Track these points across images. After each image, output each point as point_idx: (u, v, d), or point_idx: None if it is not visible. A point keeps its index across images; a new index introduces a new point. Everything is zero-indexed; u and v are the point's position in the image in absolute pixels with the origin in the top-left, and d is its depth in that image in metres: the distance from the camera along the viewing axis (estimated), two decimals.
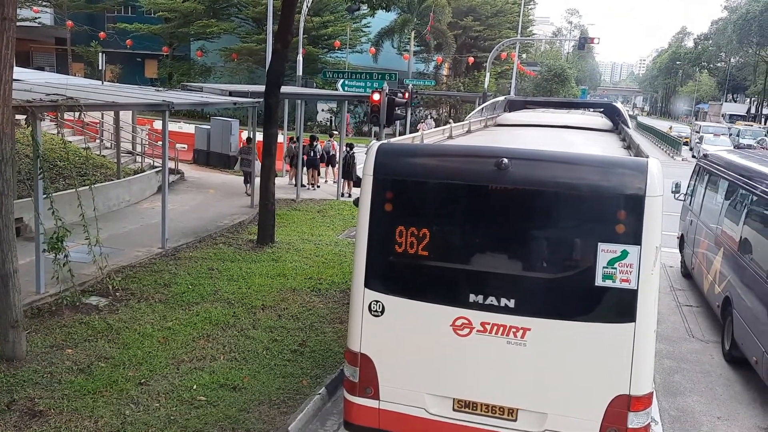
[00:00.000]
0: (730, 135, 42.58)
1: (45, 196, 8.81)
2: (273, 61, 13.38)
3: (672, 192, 12.73)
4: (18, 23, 7.22)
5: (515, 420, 5.11)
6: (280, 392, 7.04)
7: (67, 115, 15.91)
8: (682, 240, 13.27)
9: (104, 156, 20.10)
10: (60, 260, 8.49)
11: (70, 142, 18.51)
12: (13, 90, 7.21)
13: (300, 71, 28.94)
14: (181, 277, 10.59)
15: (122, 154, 18.78)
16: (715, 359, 9.05)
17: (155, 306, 9.28)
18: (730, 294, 9.07)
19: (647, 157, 5.13)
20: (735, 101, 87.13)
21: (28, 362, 7.29)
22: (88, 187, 10.74)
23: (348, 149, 19.82)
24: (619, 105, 11.75)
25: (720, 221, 10.26)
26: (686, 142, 45.16)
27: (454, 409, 5.25)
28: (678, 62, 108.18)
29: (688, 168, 14.74)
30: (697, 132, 44.78)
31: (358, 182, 19.58)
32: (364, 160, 5.39)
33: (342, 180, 19.94)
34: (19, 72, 12.91)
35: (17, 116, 8.56)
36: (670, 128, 54.46)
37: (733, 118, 64.27)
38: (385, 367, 5.37)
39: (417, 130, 11.25)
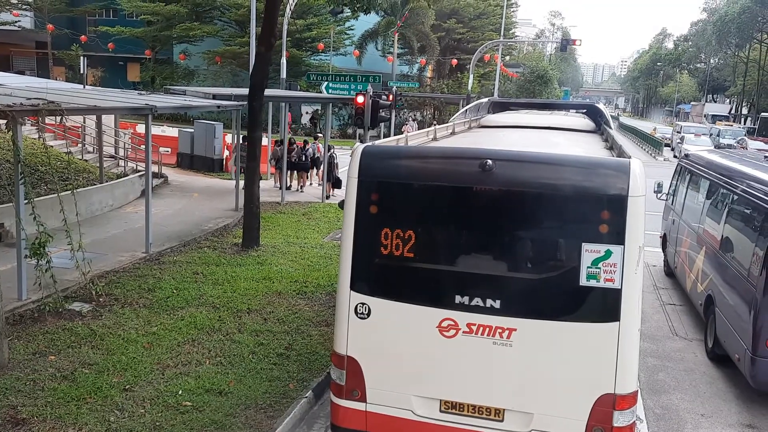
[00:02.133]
0: (711, 135, 43.08)
1: (26, 201, 8.71)
2: (256, 64, 13.34)
3: (654, 192, 12.86)
4: None
5: (502, 420, 5.13)
6: (267, 396, 7.01)
7: (49, 120, 15.73)
8: (664, 239, 13.41)
9: (86, 160, 19.90)
10: (42, 266, 8.39)
11: (52, 146, 18.32)
12: None
13: (284, 74, 28.90)
14: (165, 281, 10.51)
15: (105, 158, 18.62)
16: (699, 357, 9.15)
17: (139, 311, 9.20)
18: (712, 292, 9.18)
19: (629, 157, 5.18)
20: (715, 101, 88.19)
21: (10, 370, 7.19)
22: (70, 191, 10.63)
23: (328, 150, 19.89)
24: (601, 106, 11.86)
25: (702, 220, 10.38)
26: (668, 143, 45.60)
27: (440, 411, 5.25)
28: (659, 63, 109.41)
29: (670, 168, 14.90)
30: (678, 132, 45.27)
31: (337, 183, 19.58)
32: (349, 162, 5.39)
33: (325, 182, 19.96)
34: None
35: None
36: (654, 129, 54.89)
37: (715, 119, 65.02)
38: (371, 370, 5.37)
39: (402, 132, 11.27)
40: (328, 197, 19.36)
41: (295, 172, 20.99)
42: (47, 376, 7.14)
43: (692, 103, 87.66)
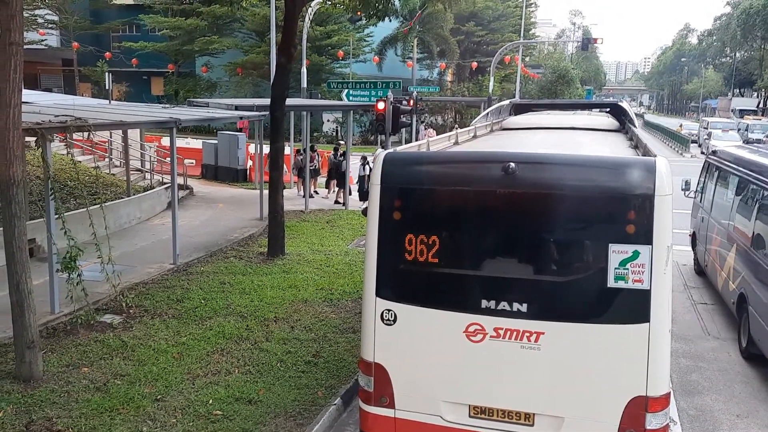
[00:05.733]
0: (739, 130, 42.29)
1: (57, 216, 8.89)
2: (277, 74, 13.46)
3: (682, 189, 12.66)
4: (25, 46, 7.31)
5: (532, 425, 5.08)
6: (296, 404, 7.04)
7: (76, 136, 16.06)
8: (694, 237, 13.18)
9: (114, 174, 20.28)
10: (73, 279, 8.55)
11: (80, 161, 18.68)
12: (23, 113, 7.29)
13: (304, 83, 29.09)
14: (193, 292, 10.64)
15: (131, 172, 18.93)
16: (732, 357, 8.97)
17: (169, 322, 9.32)
18: (744, 290, 9.00)
19: (655, 156, 5.11)
20: (742, 96, 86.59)
21: (45, 382, 7.33)
22: (99, 205, 10.84)
23: (334, 152, 20.24)
24: (625, 104, 11.71)
25: (732, 217, 10.19)
26: (694, 140, 44.83)
27: (470, 416, 5.23)
28: (683, 59, 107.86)
29: (698, 165, 14.66)
30: (705, 128, 44.51)
31: (340, 181, 19.59)
32: (372, 169, 5.41)
33: (337, 188, 20.18)
34: (27, 94, 13.08)
35: (27, 138, 8.66)
36: (680, 126, 54.02)
37: (743, 113, 63.77)
38: (399, 376, 5.36)
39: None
40: (343, 204, 19.47)
41: (321, 179, 21.24)
42: (81, 387, 7.26)
43: (719, 98, 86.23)
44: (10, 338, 7.71)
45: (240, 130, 28.11)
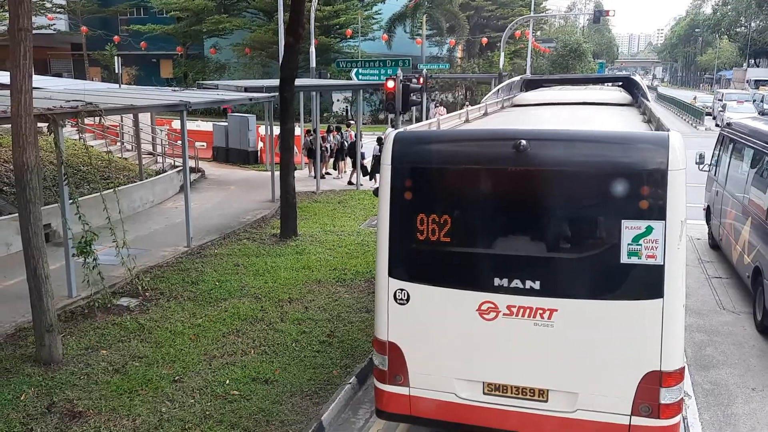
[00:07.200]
0: (755, 101, 41.67)
1: (71, 201, 8.97)
2: (285, 55, 13.40)
3: (696, 163, 12.52)
4: (34, 31, 7.32)
5: (546, 401, 5.11)
6: (312, 383, 7.12)
7: (88, 120, 16.11)
8: (708, 211, 13.07)
9: (126, 158, 20.38)
10: (89, 264, 8.65)
11: (92, 146, 18.81)
12: (34, 98, 7.32)
13: (313, 63, 28.93)
14: (207, 274, 10.73)
15: (143, 156, 19.01)
16: (748, 330, 8.94)
17: (184, 304, 9.42)
18: (760, 264, 8.94)
19: (668, 130, 5.05)
20: (758, 66, 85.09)
21: (64, 365, 7.46)
22: (112, 190, 10.91)
23: (335, 132, 20.53)
24: (637, 78, 11.55)
25: (747, 190, 10.08)
26: (709, 112, 44.21)
27: (484, 393, 5.26)
28: (697, 30, 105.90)
29: (712, 138, 14.48)
30: (719, 100, 43.87)
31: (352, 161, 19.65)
32: (383, 149, 5.39)
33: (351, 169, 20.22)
34: (38, 80, 13.13)
35: (39, 124, 8.71)
36: (694, 98, 53.23)
37: (758, 84, 62.69)
38: (413, 355, 5.40)
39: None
40: (352, 183, 19.51)
41: (331, 160, 21.20)
42: (100, 369, 7.38)
43: (733, 69, 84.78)
44: (30, 322, 7.83)
45: (225, 112, 28.33)
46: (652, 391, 4.82)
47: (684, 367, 4.98)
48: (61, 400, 6.67)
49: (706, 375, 7.61)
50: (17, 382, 7.01)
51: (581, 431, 5.04)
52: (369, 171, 19.28)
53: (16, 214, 7.79)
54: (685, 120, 44.66)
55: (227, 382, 7.10)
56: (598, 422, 4.97)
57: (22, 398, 6.69)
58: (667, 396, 4.82)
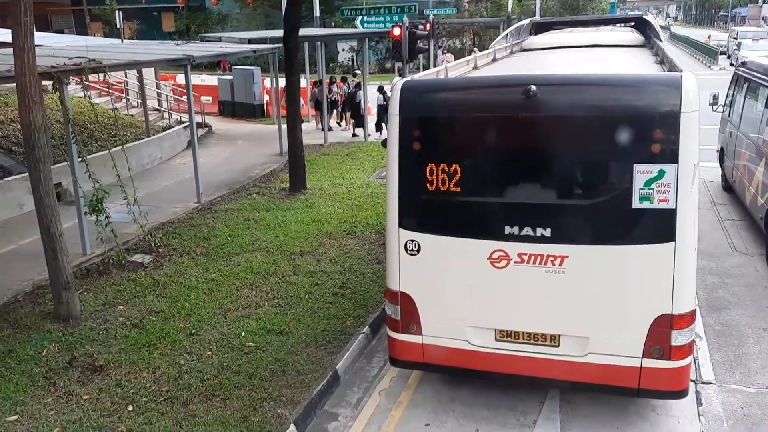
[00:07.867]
0: None
1: (80, 159, 8.98)
2: (289, 4, 13.11)
3: (710, 104, 12.26)
4: None
5: (558, 346, 5.17)
6: (326, 334, 7.23)
7: (92, 77, 15.99)
8: (721, 153, 12.90)
9: (132, 115, 20.29)
10: (102, 221, 8.72)
11: (98, 103, 18.72)
12: (37, 56, 7.24)
13: (317, 12, 28.32)
14: (219, 229, 10.80)
15: (149, 112, 18.91)
16: (760, 272, 8.92)
17: (197, 259, 9.52)
18: None
19: (681, 71, 4.94)
20: None
21: (83, 321, 7.61)
22: (120, 147, 10.91)
23: (339, 83, 20.43)
24: (650, 18, 11.25)
25: (761, 130, 9.90)
26: (723, 51, 43.08)
27: (496, 339, 5.33)
28: None
29: (727, 77, 14.15)
30: (734, 38, 42.71)
31: (355, 113, 19.59)
32: (390, 99, 5.32)
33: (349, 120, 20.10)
34: (39, 37, 12.95)
35: (44, 82, 8.64)
36: (709, 37, 51.82)
37: None
38: (425, 304, 5.45)
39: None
40: (357, 135, 19.39)
41: (334, 111, 20.98)
42: (118, 324, 7.53)
43: (749, 5, 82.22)
44: (47, 280, 7.96)
45: (219, 65, 27.95)
46: (663, 334, 4.86)
47: (695, 310, 5.01)
48: (82, 355, 6.83)
49: (718, 316, 7.64)
50: (38, 338, 7.17)
51: (593, 374, 5.12)
52: (377, 123, 19.08)
53: (27, 174, 7.81)
54: (698, 60, 43.63)
55: (242, 334, 7.23)
56: (610, 365, 5.04)
57: (43, 353, 6.86)
58: (678, 338, 4.86)
